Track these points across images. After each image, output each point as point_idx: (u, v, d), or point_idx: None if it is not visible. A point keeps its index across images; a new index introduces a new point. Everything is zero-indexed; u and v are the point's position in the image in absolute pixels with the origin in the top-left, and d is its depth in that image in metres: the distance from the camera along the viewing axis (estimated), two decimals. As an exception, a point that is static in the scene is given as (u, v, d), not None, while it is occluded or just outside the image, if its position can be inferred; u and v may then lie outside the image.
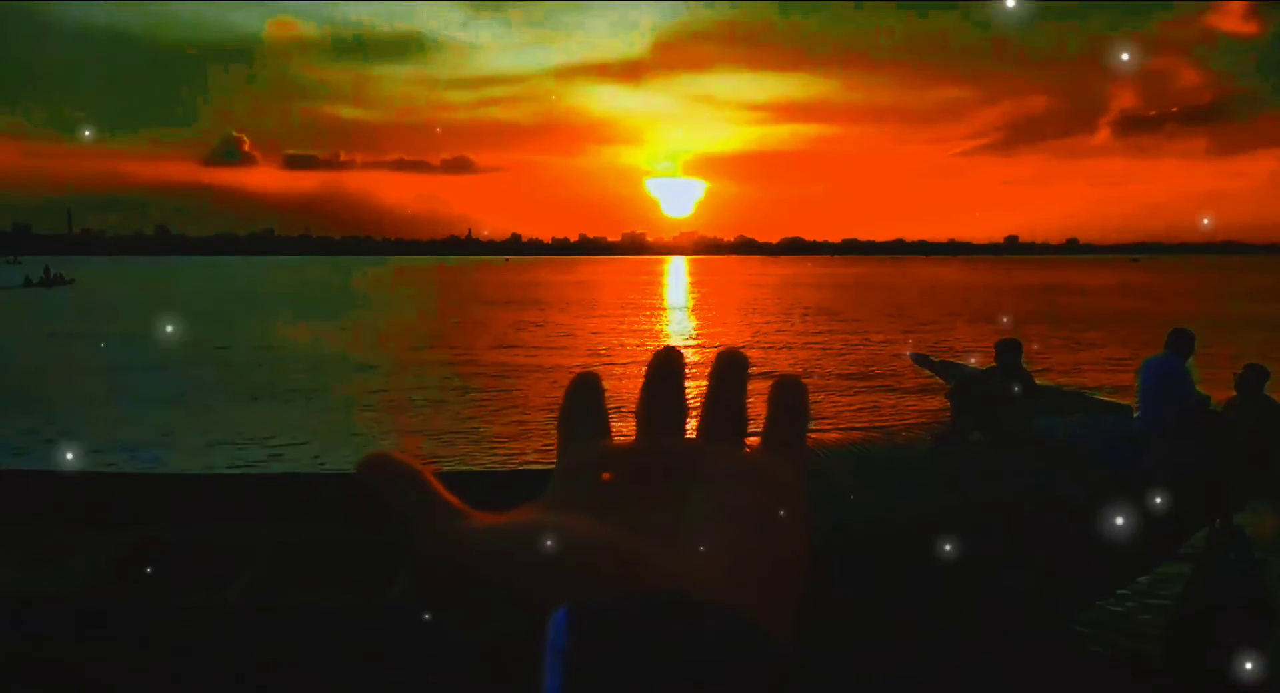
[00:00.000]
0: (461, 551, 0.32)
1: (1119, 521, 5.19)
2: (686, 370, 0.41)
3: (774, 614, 0.33)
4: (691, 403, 0.40)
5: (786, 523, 0.35)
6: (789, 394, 0.40)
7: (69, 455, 10.29)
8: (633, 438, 0.39)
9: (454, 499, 0.34)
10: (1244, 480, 5.79)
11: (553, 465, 0.39)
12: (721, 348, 0.42)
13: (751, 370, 0.41)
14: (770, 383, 0.40)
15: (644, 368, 0.41)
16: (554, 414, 0.40)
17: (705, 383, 0.40)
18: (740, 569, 0.33)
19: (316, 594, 4.07)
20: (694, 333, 28.73)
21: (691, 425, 0.40)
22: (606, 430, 0.39)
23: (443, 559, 0.32)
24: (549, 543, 0.31)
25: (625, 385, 16.07)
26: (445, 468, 9.07)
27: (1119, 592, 5.90)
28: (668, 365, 0.41)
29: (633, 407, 0.40)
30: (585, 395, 0.40)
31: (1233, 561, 5.51)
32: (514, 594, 0.31)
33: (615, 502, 0.35)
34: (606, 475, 0.37)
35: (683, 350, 0.42)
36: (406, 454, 0.34)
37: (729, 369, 0.41)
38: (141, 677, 3.68)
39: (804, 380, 0.40)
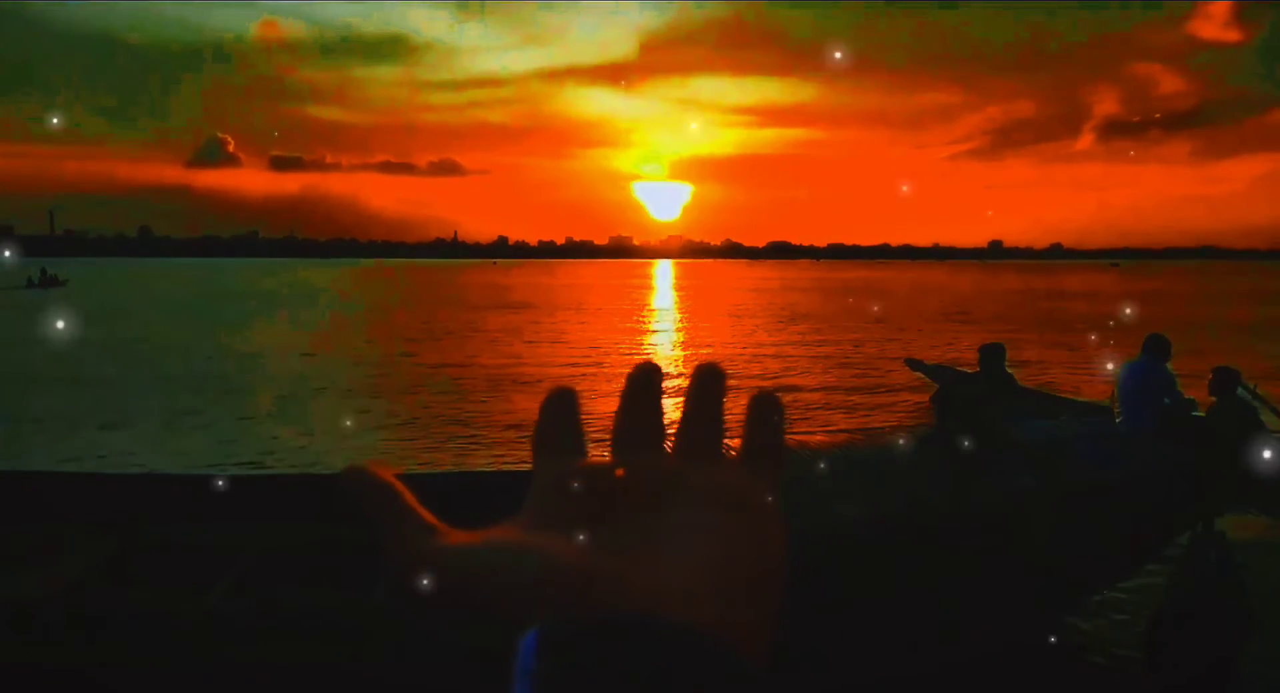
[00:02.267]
0: (432, 569, 0.32)
1: (1101, 523, 5.23)
2: (665, 384, 0.41)
3: (749, 635, 0.33)
4: (670, 412, 0.39)
5: (762, 544, 0.35)
6: (766, 410, 0.40)
7: (54, 456, 10.24)
8: (609, 456, 0.38)
9: (429, 515, 0.34)
10: (1226, 483, 5.85)
11: (531, 467, 0.38)
12: (702, 361, 0.41)
13: (735, 379, 0.42)
14: (748, 398, 0.40)
15: (624, 378, 0.40)
16: (535, 418, 0.41)
17: (683, 396, 0.40)
18: (715, 590, 0.33)
19: (302, 595, 4.07)
20: (681, 337, 28.74)
21: (670, 436, 0.40)
22: (582, 447, 0.39)
23: (413, 576, 0.32)
24: (521, 563, 0.31)
25: (611, 387, 16.05)
26: (429, 470, 9.05)
27: (1101, 594, 5.94)
28: (645, 381, 0.40)
29: (614, 414, 0.39)
30: (561, 411, 0.40)
31: (1214, 563, 5.56)
32: (483, 614, 0.31)
33: (590, 521, 0.35)
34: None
35: (662, 364, 0.42)
36: (384, 467, 0.34)
37: (707, 384, 0.40)
38: (127, 678, 3.67)
39: (783, 394, 0.40)
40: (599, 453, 0.39)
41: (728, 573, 0.33)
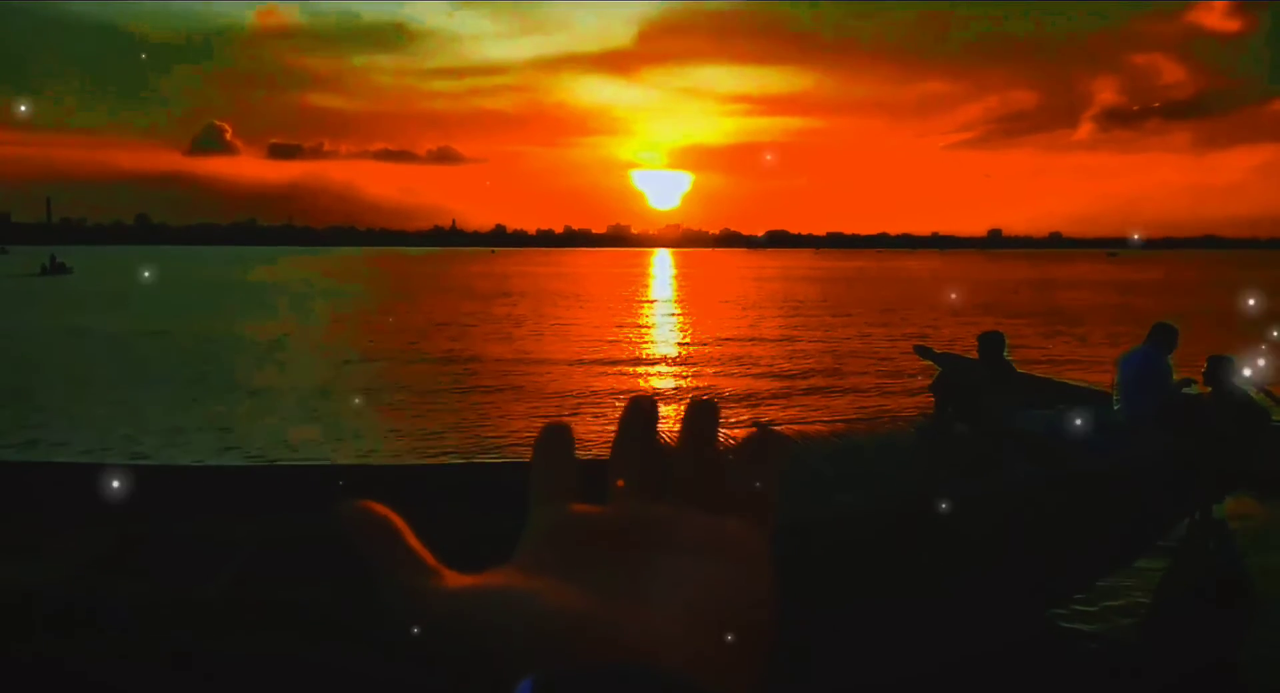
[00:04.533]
0: (429, 612, 0.32)
1: (1100, 512, 5.23)
2: (660, 418, 0.41)
3: (739, 681, 0.33)
4: (667, 435, 0.39)
5: (753, 593, 0.36)
6: (761, 452, 0.40)
7: (52, 447, 10.24)
8: (602, 503, 0.38)
9: (428, 555, 0.34)
10: (1224, 471, 5.85)
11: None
12: (696, 395, 0.42)
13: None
14: (744, 437, 0.40)
15: (620, 412, 0.40)
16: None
17: (678, 431, 0.40)
18: (706, 639, 0.33)
19: (303, 587, 4.07)
20: (682, 326, 28.72)
21: (668, 436, 0.40)
22: (576, 489, 0.39)
23: (410, 619, 0.32)
24: (516, 609, 0.31)
25: (612, 383, 16.07)
26: (432, 461, 9.05)
27: (1100, 582, 5.95)
28: (640, 418, 0.40)
29: (609, 452, 0.39)
30: (555, 449, 0.40)
31: (1212, 550, 5.57)
32: (479, 660, 0.31)
33: (584, 568, 0.35)
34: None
35: (656, 399, 0.41)
36: (382, 506, 0.34)
37: (700, 421, 0.40)
38: (128, 670, 3.67)
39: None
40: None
41: (719, 621, 0.34)
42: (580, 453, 0.38)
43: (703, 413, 0.40)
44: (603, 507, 0.38)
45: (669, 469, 0.39)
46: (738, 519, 0.38)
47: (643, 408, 0.40)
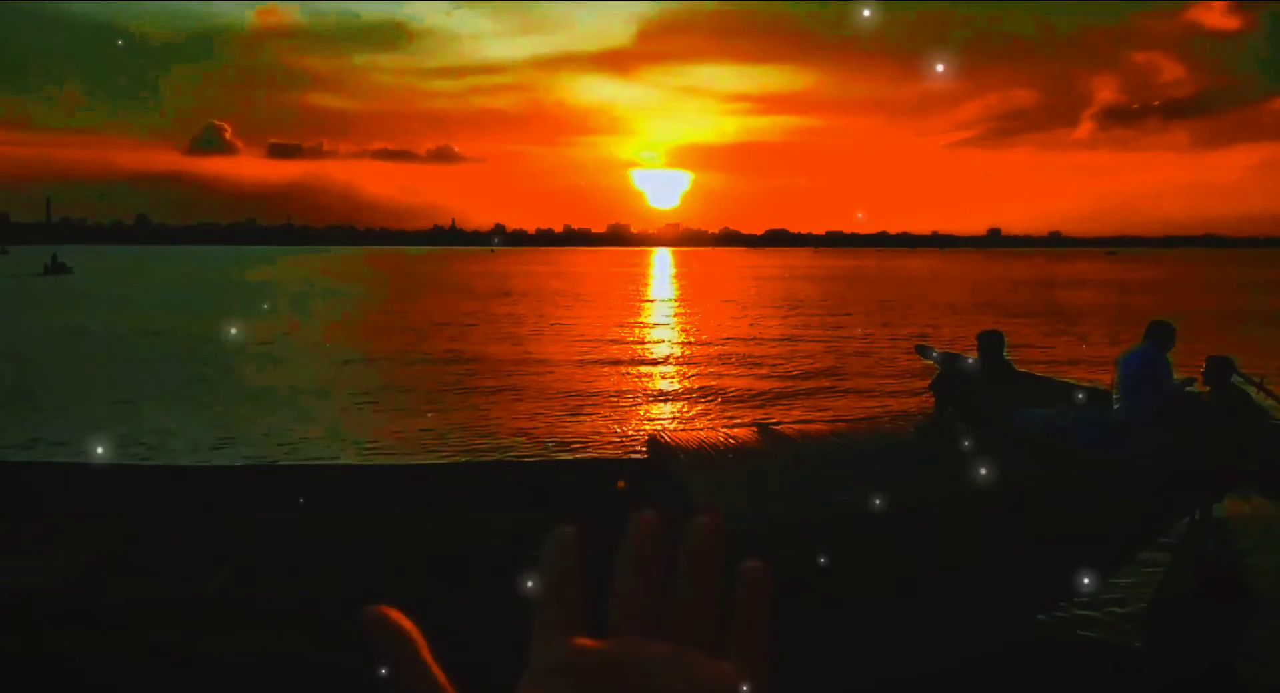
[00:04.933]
0: None
1: (1100, 511, 5.23)
2: (666, 537, 0.40)
3: None
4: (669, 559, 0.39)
5: None
6: (754, 592, 0.40)
7: (52, 447, 10.25)
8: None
9: (441, 674, 0.35)
10: (1223, 471, 5.85)
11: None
12: (701, 519, 0.40)
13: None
14: (740, 570, 0.39)
15: (627, 526, 0.40)
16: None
17: (680, 560, 0.40)
18: None
19: (300, 584, 4.07)
20: (683, 329, 28.71)
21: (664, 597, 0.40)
22: (580, 619, 0.39)
23: None
24: None
25: (614, 383, 16.07)
26: (434, 460, 9.04)
27: (1101, 583, 5.94)
28: (646, 539, 0.40)
29: (612, 574, 0.39)
30: (561, 567, 0.40)
31: (1212, 548, 5.58)
32: None
33: None
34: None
35: (659, 521, 0.40)
36: (405, 617, 0.35)
37: (704, 550, 0.40)
38: (128, 667, 3.67)
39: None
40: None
41: None
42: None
43: (706, 544, 0.40)
44: (604, 642, 0.38)
45: (671, 604, 0.39)
46: (734, 663, 0.38)
47: (647, 532, 0.40)
